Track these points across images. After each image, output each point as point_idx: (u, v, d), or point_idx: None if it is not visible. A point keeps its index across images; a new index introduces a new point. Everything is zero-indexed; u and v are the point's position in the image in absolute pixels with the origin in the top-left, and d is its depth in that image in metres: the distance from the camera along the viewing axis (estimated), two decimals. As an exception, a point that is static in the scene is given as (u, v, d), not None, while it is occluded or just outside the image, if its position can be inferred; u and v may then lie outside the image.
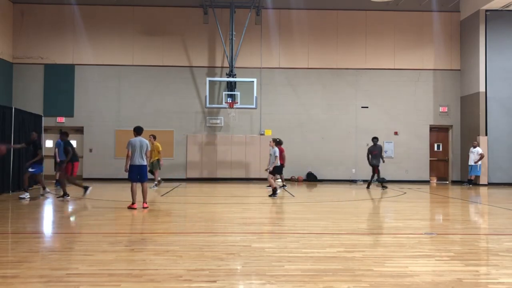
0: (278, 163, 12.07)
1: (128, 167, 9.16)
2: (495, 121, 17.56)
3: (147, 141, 9.35)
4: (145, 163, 9.25)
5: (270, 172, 11.95)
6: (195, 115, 18.40)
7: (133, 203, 9.16)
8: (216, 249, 5.48)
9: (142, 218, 8.45)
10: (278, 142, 12.19)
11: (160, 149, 14.31)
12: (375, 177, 14.96)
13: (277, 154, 11.82)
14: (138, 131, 9.36)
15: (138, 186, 9.34)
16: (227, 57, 17.86)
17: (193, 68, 18.49)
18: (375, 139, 15.02)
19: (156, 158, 14.12)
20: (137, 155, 9.12)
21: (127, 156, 9.15)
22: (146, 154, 9.21)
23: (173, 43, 18.46)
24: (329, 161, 18.50)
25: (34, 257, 5.03)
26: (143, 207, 9.21)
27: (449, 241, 6.21)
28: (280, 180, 15.16)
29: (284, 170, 18.18)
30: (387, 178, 18.22)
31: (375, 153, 14.78)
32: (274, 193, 11.74)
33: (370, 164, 14.88)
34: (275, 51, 18.61)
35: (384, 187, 14.75)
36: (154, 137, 14.04)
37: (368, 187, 15.04)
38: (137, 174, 9.21)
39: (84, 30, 18.23)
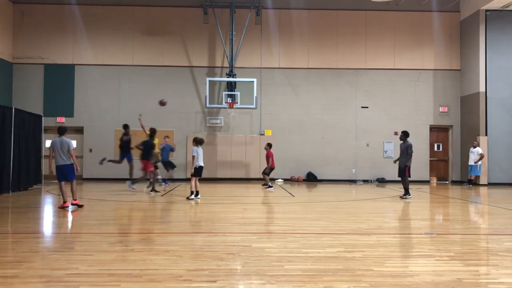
0: (199, 165, 11.06)
1: (52, 168, 9.36)
2: (495, 121, 17.56)
3: (68, 141, 9.32)
4: (67, 162, 9.23)
5: (192, 174, 11.19)
6: (195, 115, 18.41)
7: (64, 202, 9.24)
8: (216, 249, 5.48)
9: (142, 218, 8.45)
10: (198, 141, 11.22)
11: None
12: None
13: (194, 154, 11.01)
14: (59, 131, 9.42)
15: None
16: (227, 57, 17.86)
17: (193, 68, 18.49)
18: (402, 134, 12.29)
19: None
20: (57, 156, 9.18)
21: (50, 156, 9.33)
22: (69, 153, 9.21)
23: (173, 43, 18.46)
24: (329, 161, 18.51)
25: (34, 257, 5.03)
26: (72, 204, 9.26)
27: (449, 241, 6.21)
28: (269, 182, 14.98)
29: (284, 170, 18.28)
30: (387, 178, 18.29)
31: (401, 150, 12.20)
32: (191, 195, 11.07)
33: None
34: (275, 51, 18.61)
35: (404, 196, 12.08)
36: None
37: (404, 196, 11.97)
38: (62, 174, 9.26)
39: (84, 30, 18.24)
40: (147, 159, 12.76)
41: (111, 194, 12.55)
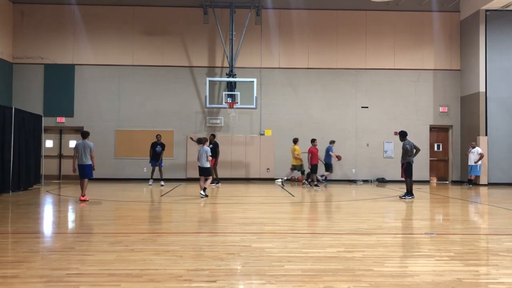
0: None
1: (76, 167, 10.61)
2: (495, 121, 17.55)
3: (90, 144, 10.61)
4: (86, 162, 10.52)
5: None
6: (195, 115, 18.41)
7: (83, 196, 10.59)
8: (216, 249, 5.48)
9: (142, 218, 8.46)
10: (198, 141, 11.99)
11: (296, 152, 15.88)
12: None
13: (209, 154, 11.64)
14: (82, 135, 10.79)
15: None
16: (227, 57, 17.86)
17: (193, 68, 18.48)
18: (399, 135, 12.12)
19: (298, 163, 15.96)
20: (80, 156, 10.49)
21: (74, 157, 10.62)
22: (90, 155, 10.53)
23: (173, 43, 18.46)
24: (329, 161, 18.48)
25: (34, 257, 5.03)
26: (80, 199, 10.47)
27: (449, 241, 6.21)
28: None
29: (284, 170, 18.28)
30: (388, 178, 18.29)
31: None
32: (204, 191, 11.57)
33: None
34: (275, 51, 18.61)
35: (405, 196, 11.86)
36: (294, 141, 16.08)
37: (402, 196, 11.88)
38: (82, 172, 10.56)
39: (84, 30, 18.23)
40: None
41: (111, 194, 12.54)
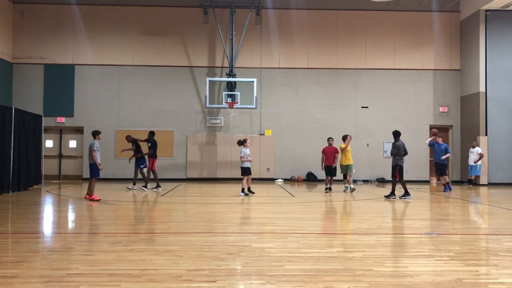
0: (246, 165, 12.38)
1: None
2: (495, 121, 17.55)
3: (92, 143, 10.73)
4: (89, 161, 10.83)
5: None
6: (195, 115, 18.40)
7: (90, 195, 10.85)
8: (216, 249, 5.48)
9: (142, 218, 8.45)
10: (240, 143, 12.58)
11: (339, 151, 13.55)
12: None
13: (241, 154, 12.34)
14: (92, 134, 11.07)
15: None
16: (227, 57, 17.86)
17: (193, 68, 18.48)
18: (393, 134, 11.98)
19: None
20: (88, 155, 10.84)
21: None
22: (91, 154, 10.68)
23: (173, 43, 18.46)
24: (329, 161, 18.46)
25: (34, 257, 5.03)
26: (84, 197, 10.86)
27: (449, 241, 6.20)
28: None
29: (284, 170, 18.31)
30: (387, 178, 18.21)
31: None
32: (242, 191, 12.31)
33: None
34: (275, 51, 18.60)
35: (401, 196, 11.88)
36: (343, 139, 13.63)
37: (402, 197, 11.82)
38: (90, 171, 10.92)
39: (84, 30, 18.23)
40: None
41: (111, 194, 12.55)
